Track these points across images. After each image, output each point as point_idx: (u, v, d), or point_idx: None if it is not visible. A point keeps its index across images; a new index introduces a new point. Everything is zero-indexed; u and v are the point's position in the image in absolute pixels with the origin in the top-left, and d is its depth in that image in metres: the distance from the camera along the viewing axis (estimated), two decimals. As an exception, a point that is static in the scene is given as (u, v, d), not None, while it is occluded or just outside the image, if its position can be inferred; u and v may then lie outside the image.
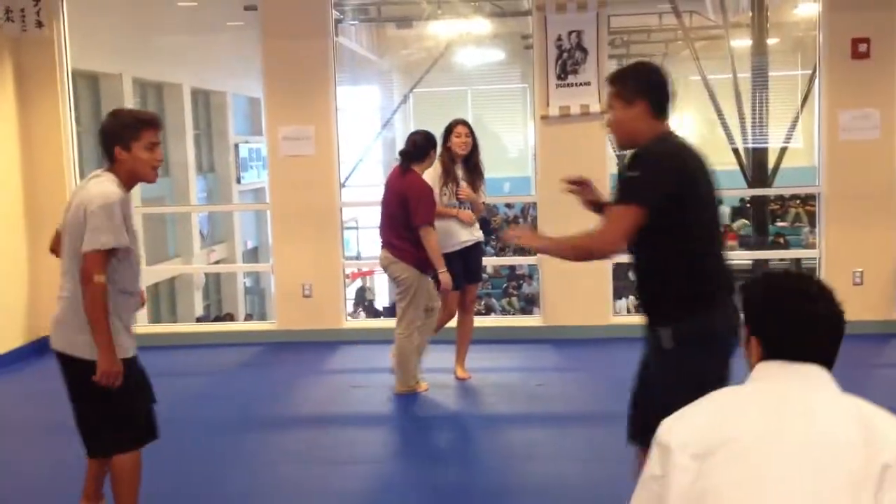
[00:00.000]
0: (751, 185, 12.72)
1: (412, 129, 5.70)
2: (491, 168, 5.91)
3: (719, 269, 2.81)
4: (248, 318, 16.62)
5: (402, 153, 5.31)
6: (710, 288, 2.74)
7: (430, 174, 5.59)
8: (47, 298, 6.70)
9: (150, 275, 15.93)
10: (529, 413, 5.11)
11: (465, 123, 5.60)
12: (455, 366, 5.70)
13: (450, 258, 5.37)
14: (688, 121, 19.82)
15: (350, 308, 16.58)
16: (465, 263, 5.56)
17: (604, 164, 6.75)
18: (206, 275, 18.54)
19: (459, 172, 5.55)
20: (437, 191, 5.44)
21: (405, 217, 5.16)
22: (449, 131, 5.60)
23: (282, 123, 6.84)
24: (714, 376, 2.54)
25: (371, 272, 19.57)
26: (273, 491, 3.81)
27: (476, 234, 5.63)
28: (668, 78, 2.86)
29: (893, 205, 6.52)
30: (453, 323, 5.69)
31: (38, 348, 6.65)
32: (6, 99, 6.54)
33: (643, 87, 2.79)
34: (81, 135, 14.73)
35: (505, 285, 16.11)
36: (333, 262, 6.91)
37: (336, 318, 6.93)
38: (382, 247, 5.32)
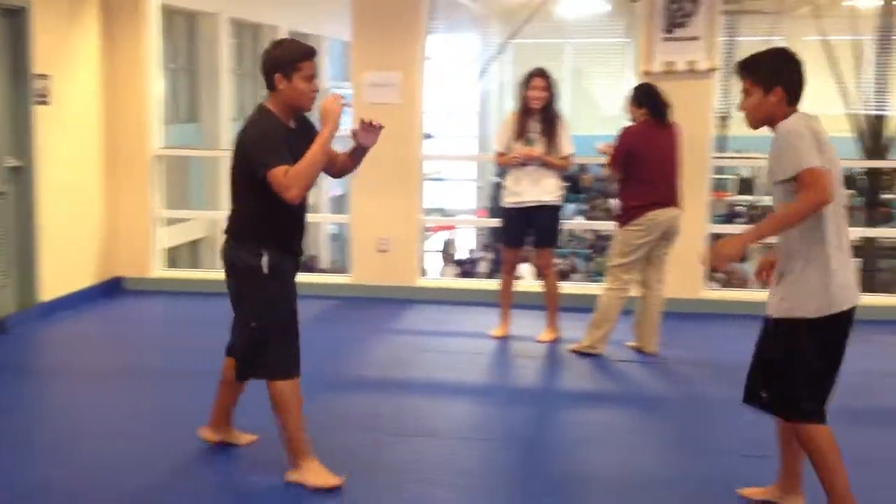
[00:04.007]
0: (868, 155, 11.83)
1: (507, 81, 5.53)
2: (586, 125, 5.58)
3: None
4: (334, 264, 16.60)
5: (655, 110, 5.06)
6: None
7: (503, 125, 5.46)
8: (123, 239, 6.75)
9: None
10: (609, 393, 4.76)
11: (542, 75, 5.30)
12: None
13: (509, 213, 5.38)
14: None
15: (433, 262, 16.38)
16: (528, 224, 5.37)
17: (707, 123, 6.25)
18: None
19: (536, 126, 5.30)
20: (507, 143, 5.33)
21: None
22: (525, 83, 5.29)
23: (368, 69, 6.53)
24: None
25: (453, 226, 19.25)
26: (324, 458, 3.56)
27: (547, 197, 5.32)
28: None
29: None
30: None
31: (108, 289, 6.62)
32: (90, 36, 6.41)
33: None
34: (177, 72, 14.89)
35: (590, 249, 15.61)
36: (412, 217, 6.62)
37: (411, 275, 6.66)
38: (669, 206, 5.02)
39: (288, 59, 3.27)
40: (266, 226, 3.32)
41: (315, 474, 3.41)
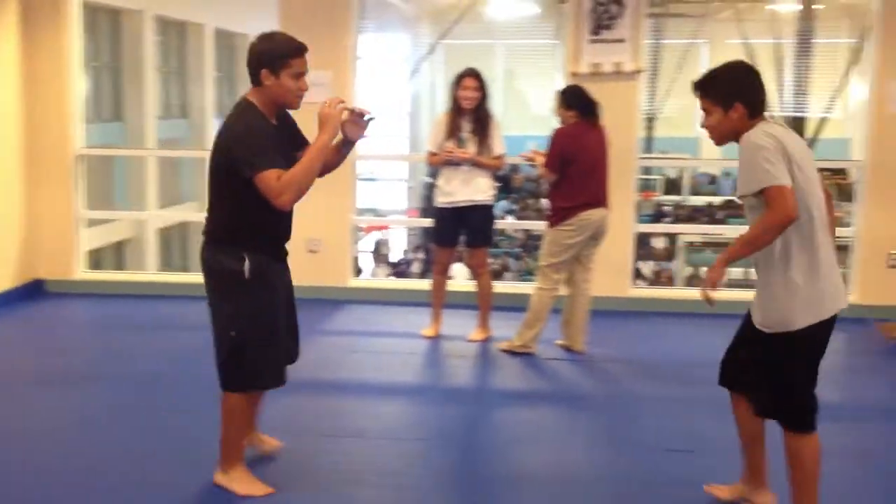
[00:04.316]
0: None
1: (438, 81, 5.50)
2: (517, 126, 5.62)
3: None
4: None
5: (585, 111, 5.10)
6: None
7: (436, 125, 5.46)
8: (44, 240, 6.56)
9: (161, 219, 15.74)
10: (539, 391, 4.80)
11: (474, 76, 5.32)
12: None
13: (442, 213, 5.39)
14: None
15: (366, 262, 16.30)
16: (461, 224, 5.39)
17: (634, 124, 6.37)
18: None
19: (468, 125, 5.33)
20: (439, 143, 5.33)
21: None
22: (457, 83, 5.31)
23: (296, 68, 6.46)
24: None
25: (386, 226, 19.20)
26: (254, 460, 3.52)
27: (480, 196, 5.35)
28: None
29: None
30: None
31: (29, 291, 6.43)
32: (9, 33, 6.21)
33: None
34: (101, 70, 14.52)
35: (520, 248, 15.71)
36: (344, 217, 6.58)
37: (343, 276, 6.62)
38: (599, 206, 5.08)
39: (277, 55, 3.11)
40: (249, 227, 3.16)
41: (244, 483, 3.35)
